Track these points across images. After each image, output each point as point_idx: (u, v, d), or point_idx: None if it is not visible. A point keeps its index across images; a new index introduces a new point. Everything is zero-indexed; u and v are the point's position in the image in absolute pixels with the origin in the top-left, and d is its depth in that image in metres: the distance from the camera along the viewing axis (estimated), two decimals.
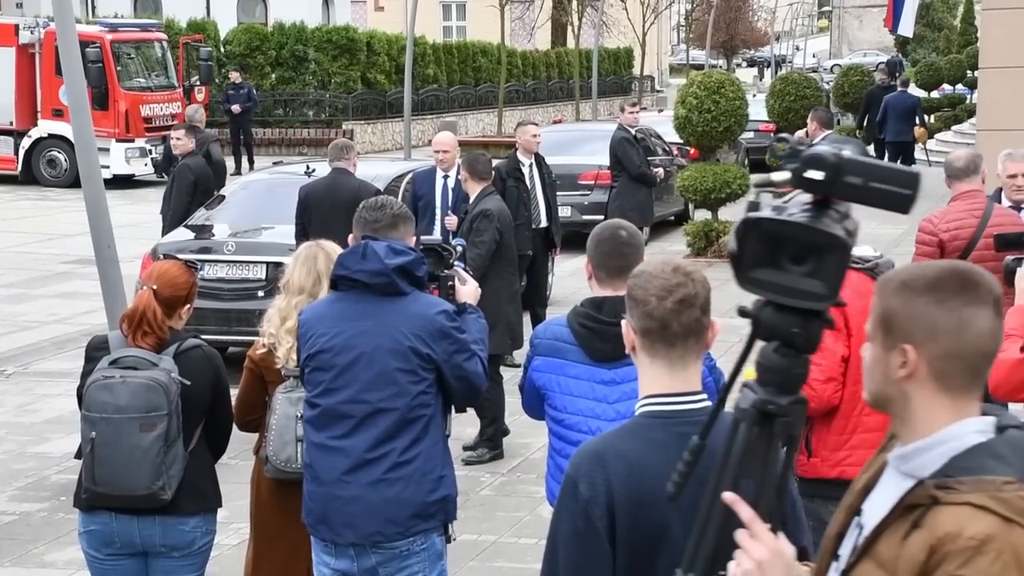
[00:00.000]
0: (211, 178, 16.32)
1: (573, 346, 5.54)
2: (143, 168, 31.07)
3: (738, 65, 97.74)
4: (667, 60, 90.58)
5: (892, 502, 2.90)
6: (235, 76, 35.74)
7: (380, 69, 43.72)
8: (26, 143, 32.02)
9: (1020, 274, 5.97)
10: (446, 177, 13.61)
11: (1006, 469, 2.82)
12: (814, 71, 59.25)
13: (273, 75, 42.47)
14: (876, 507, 2.96)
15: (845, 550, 3.01)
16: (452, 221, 12.94)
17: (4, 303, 18.26)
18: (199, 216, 15.01)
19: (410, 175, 14.73)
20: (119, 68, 31.92)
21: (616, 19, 59.56)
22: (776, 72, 60.71)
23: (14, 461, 11.43)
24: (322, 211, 12.57)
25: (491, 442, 11.34)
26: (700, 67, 56.55)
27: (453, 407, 6.39)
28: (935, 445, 2.90)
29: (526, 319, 13.08)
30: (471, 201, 12.01)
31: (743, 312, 2.63)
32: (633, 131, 19.16)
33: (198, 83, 34.91)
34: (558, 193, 16.08)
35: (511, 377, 11.51)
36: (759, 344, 2.65)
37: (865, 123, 31.53)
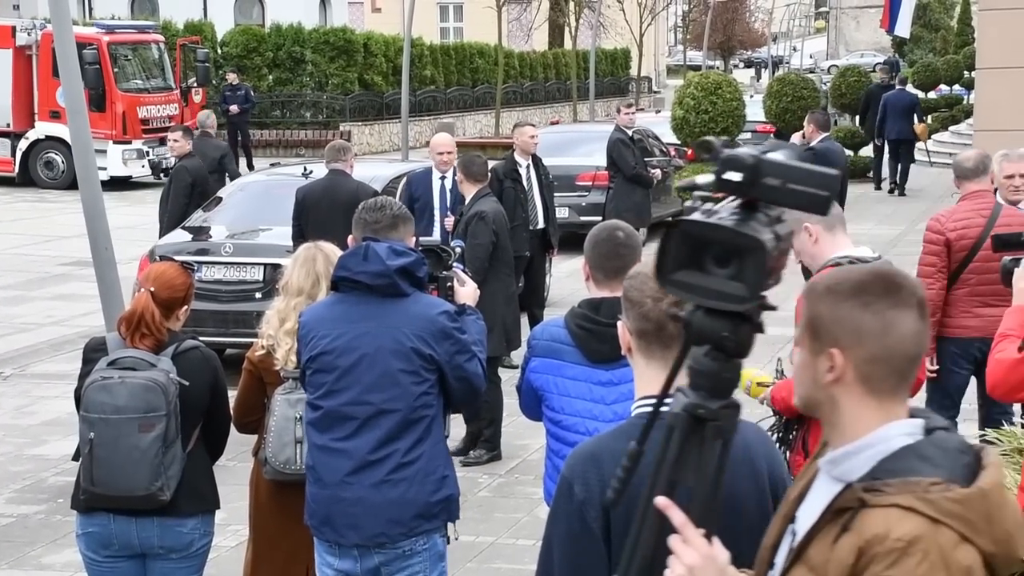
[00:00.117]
0: (208, 180, 16.32)
1: (570, 347, 5.54)
2: (140, 170, 31.06)
3: (735, 66, 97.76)
4: (664, 61, 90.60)
5: (822, 507, 2.92)
6: (232, 78, 35.72)
7: (377, 70, 43.72)
8: (23, 145, 32.00)
9: (1018, 274, 5.98)
10: (443, 178, 13.61)
11: (933, 470, 2.84)
12: (811, 72, 59.24)
13: (270, 76, 42.47)
14: (808, 513, 2.99)
15: (780, 558, 3.03)
16: (452, 222, 12.95)
17: (1, 305, 18.25)
18: (196, 218, 15.01)
19: (405, 177, 14.69)
20: (116, 70, 31.90)
21: (613, 20, 59.58)
22: (773, 73, 60.71)
23: (11, 463, 11.42)
24: (319, 212, 12.57)
25: (489, 443, 11.34)
26: (697, 68, 56.57)
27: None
28: (863, 448, 2.93)
29: (524, 320, 13.08)
30: (467, 203, 12.01)
31: (675, 317, 2.65)
32: (630, 132, 19.16)
33: (195, 85, 34.89)
34: (555, 194, 16.08)
35: (509, 378, 11.51)
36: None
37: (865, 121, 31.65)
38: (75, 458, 6.75)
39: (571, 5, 56.51)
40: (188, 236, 14.52)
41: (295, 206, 12.94)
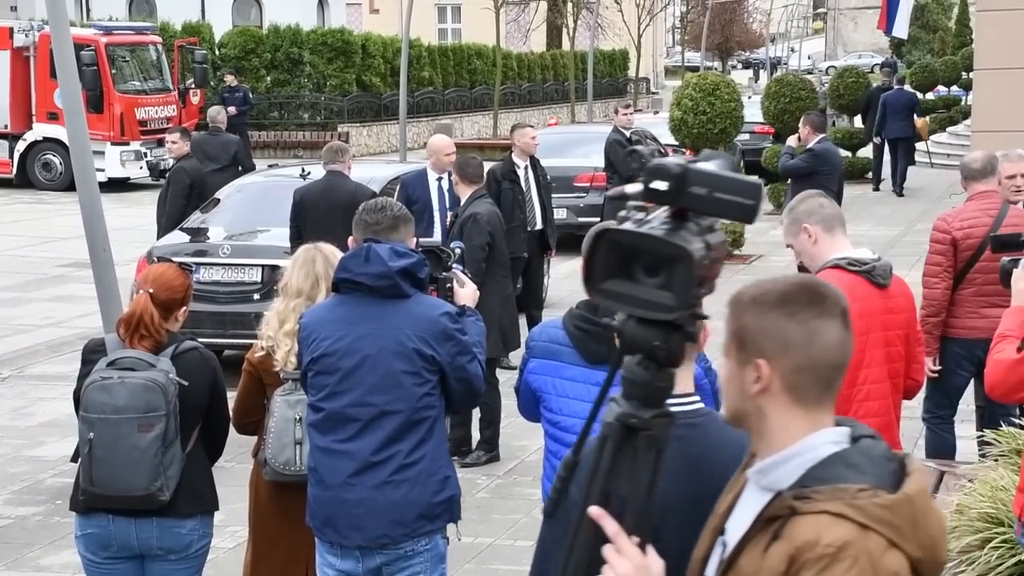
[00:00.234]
0: (206, 181, 16.32)
1: (568, 348, 5.54)
2: (138, 171, 31.06)
3: (733, 67, 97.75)
4: (662, 62, 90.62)
5: (752, 517, 2.95)
6: (230, 79, 35.71)
7: (375, 72, 43.72)
8: (21, 146, 32.01)
9: (1017, 275, 5.97)
10: (440, 179, 13.60)
11: (861, 477, 2.87)
12: (809, 73, 59.30)
13: (268, 78, 42.46)
14: (738, 524, 3.01)
15: (711, 571, 3.05)
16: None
17: None
18: (194, 219, 15.00)
19: (398, 179, 14.62)
20: (114, 71, 31.90)
21: (611, 21, 59.63)
22: (771, 74, 60.74)
23: (9, 465, 11.41)
24: (318, 214, 12.56)
25: (488, 444, 11.34)
26: (695, 69, 56.59)
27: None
28: (792, 457, 2.95)
29: (522, 321, 13.07)
30: (462, 204, 12.01)
31: (609, 326, 2.66)
32: (628, 133, 19.15)
33: (193, 86, 34.89)
34: (553, 195, 16.07)
35: (507, 379, 11.51)
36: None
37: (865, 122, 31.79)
38: (74, 459, 6.75)
39: (569, 6, 56.55)
40: (186, 237, 14.52)
41: (293, 207, 12.93)
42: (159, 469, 6.12)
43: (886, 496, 2.84)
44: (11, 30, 32.25)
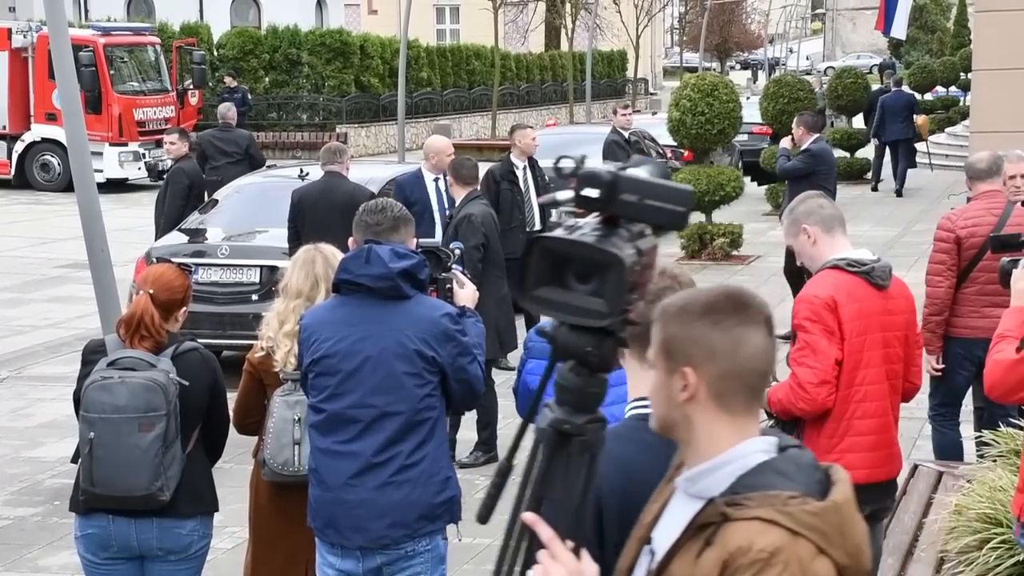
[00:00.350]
0: (204, 182, 16.32)
1: None
2: (136, 172, 31.06)
3: (732, 68, 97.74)
4: (661, 63, 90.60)
5: (683, 524, 2.98)
6: (230, 80, 35.73)
7: (374, 72, 43.72)
8: (19, 147, 32.00)
9: (1016, 276, 5.97)
10: (436, 180, 13.58)
11: (790, 485, 2.92)
12: (808, 73, 59.33)
13: (266, 79, 42.47)
14: (666, 532, 3.05)
15: None
16: None
17: None
18: (193, 220, 15.00)
19: (392, 181, 14.52)
20: (112, 72, 31.89)
21: (610, 22, 59.63)
22: (770, 75, 60.74)
23: (8, 465, 11.41)
24: (316, 214, 12.56)
25: (486, 445, 11.34)
26: (694, 70, 56.57)
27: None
28: (722, 465, 2.99)
29: (520, 322, 13.07)
30: (457, 206, 12.01)
31: (541, 332, 2.66)
32: (626, 134, 19.14)
33: (191, 87, 34.89)
34: None
35: (504, 380, 11.51)
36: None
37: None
38: (74, 460, 6.75)
39: (567, 7, 56.55)
40: (184, 238, 14.51)
41: (291, 208, 12.93)
42: (159, 469, 6.13)
43: (815, 503, 2.90)
44: (9, 31, 32.25)
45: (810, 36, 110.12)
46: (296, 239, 12.08)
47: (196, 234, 14.62)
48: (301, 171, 14.61)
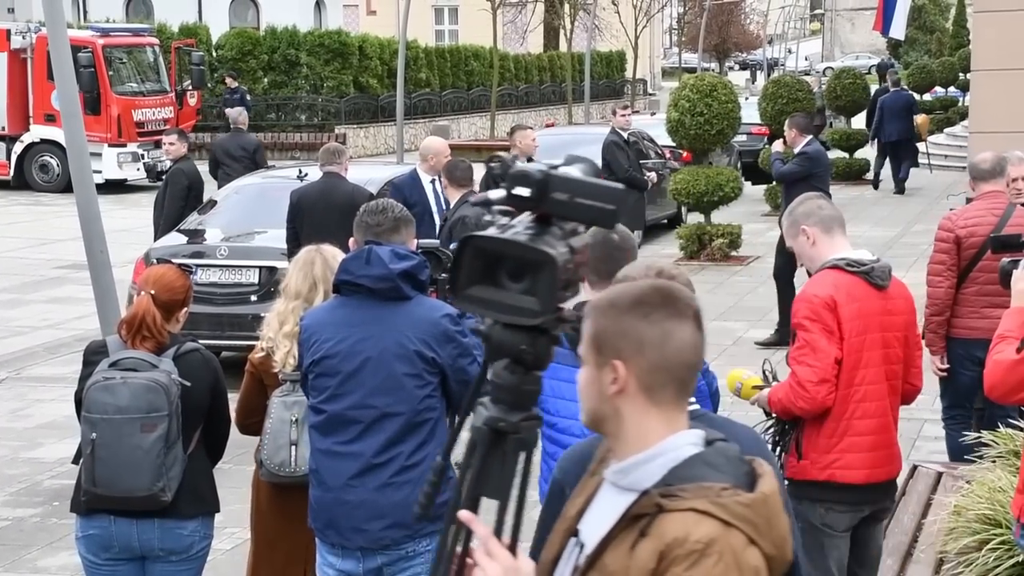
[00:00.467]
0: (203, 183, 16.33)
1: (565, 350, 5.52)
2: (135, 173, 31.06)
3: (730, 68, 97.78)
4: (659, 63, 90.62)
5: (614, 516, 3.01)
6: (230, 81, 35.73)
7: (372, 73, 43.73)
8: (18, 148, 32.00)
9: (1016, 276, 5.96)
10: (433, 181, 13.56)
11: (721, 476, 2.99)
12: (807, 74, 59.32)
13: (265, 79, 42.48)
14: (596, 524, 3.08)
15: (564, 572, 3.11)
16: None
17: None
18: (192, 220, 14.99)
19: (388, 183, 14.47)
20: (111, 73, 31.90)
21: (608, 23, 59.63)
22: (768, 75, 60.75)
23: (7, 466, 11.41)
24: (315, 215, 12.55)
25: None
26: (692, 70, 56.57)
27: None
28: (654, 457, 3.04)
29: None
30: (451, 207, 12.02)
31: (475, 331, 2.67)
32: (625, 134, 19.14)
33: (190, 88, 34.89)
34: None
35: None
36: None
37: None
38: (75, 461, 6.75)
39: (566, 7, 56.54)
40: (183, 239, 14.51)
41: (290, 209, 12.92)
42: (161, 470, 6.14)
43: (747, 495, 2.96)
44: (8, 32, 32.26)
45: (809, 37, 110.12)
46: (295, 240, 12.08)
47: (195, 235, 14.62)
48: (300, 172, 14.61)
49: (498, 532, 2.73)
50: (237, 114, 21.12)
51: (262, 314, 7.05)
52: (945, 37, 57.76)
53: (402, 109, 29.01)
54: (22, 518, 10.15)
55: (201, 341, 6.65)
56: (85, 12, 48.14)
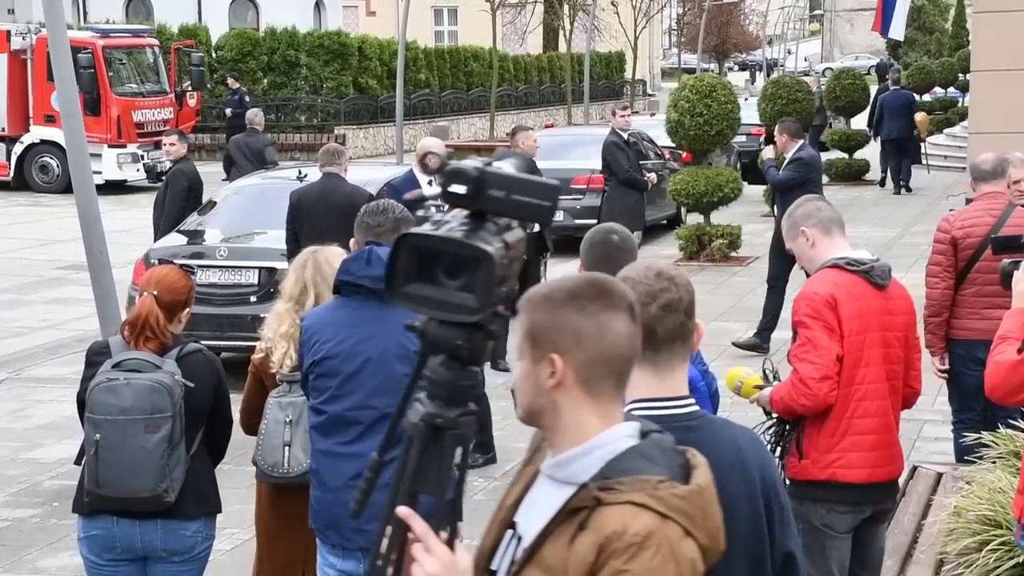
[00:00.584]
0: (202, 184, 16.32)
1: None
2: (135, 174, 31.06)
3: (730, 69, 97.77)
4: (659, 64, 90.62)
5: (552, 509, 3.03)
6: (232, 82, 35.75)
7: (372, 74, 43.72)
8: (18, 149, 32.01)
9: (1017, 277, 5.96)
10: (431, 182, 13.56)
11: (657, 469, 3.01)
12: (806, 75, 59.27)
13: (265, 80, 42.47)
14: (533, 517, 3.09)
15: (501, 564, 3.12)
16: None
17: None
18: (191, 221, 14.99)
19: (387, 184, 14.43)
20: (111, 74, 31.91)
21: (608, 23, 59.61)
22: (768, 76, 60.72)
23: (6, 467, 11.41)
24: (314, 216, 12.55)
25: (483, 447, 11.34)
26: (692, 71, 56.56)
27: None
28: (591, 450, 3.05)
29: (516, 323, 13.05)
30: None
31: (411, 327, 2.70)
32: (625, 135, 19.14)
33: (190, 88, 34.90)
34: None
35: (503, 382, 11.51)
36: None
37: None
38: (77, 462, 6.76)
39: (566, 8, 56.53)
40: (183, 240, 14.51)
41: (289, 209, 12.91)
42: (165, 471, 6.14)
43: (682, 487, 2.99)
44: (8, 33, 32.27)
45: (808, 37, 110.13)
46: (295, 240, 12.08)
47: (195, 236, 14.62)
48: (299, 172, 14.61)
49: (436, 527, 2.74)
50: (253, 115, 21.49)
51: (262, 315, 7.06)
52: (944, 38, 57.74)
53: (401, 110, 29.02)
54: (22, 519, 10.15)
55: (201, 342, 6.66)
56: (85, 13, 48.14)
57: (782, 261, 15.11)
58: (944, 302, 9.30)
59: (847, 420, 6.38)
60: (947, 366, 9.43)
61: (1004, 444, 8.12)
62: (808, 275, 6.76)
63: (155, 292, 6.28)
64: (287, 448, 6.67)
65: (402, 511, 2.72)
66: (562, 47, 58.42)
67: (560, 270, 18.60)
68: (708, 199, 21.24)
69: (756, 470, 3.74)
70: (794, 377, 6.34)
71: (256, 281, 13.67)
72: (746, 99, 30.76)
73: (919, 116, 31.54)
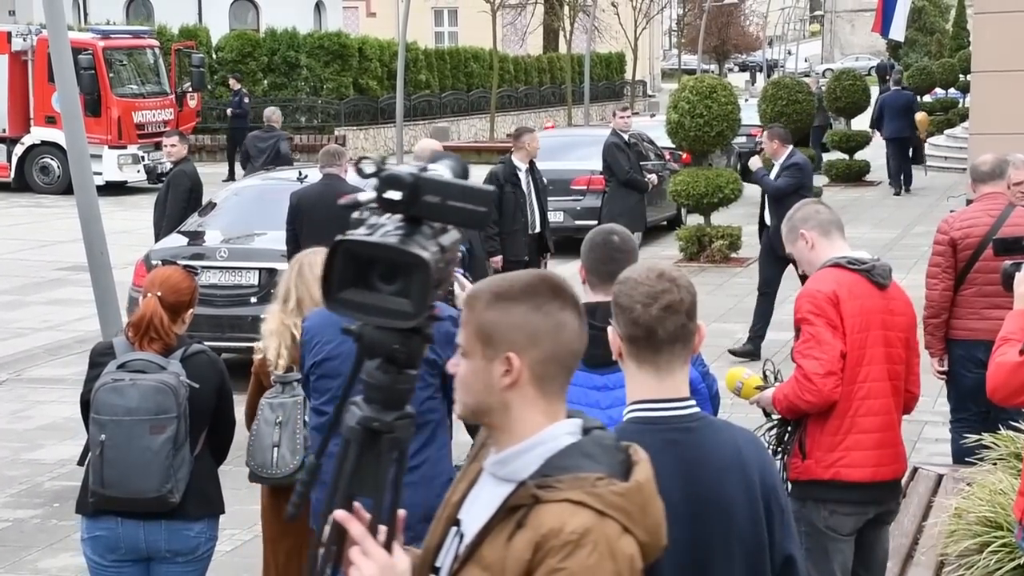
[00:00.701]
0: (202, 185, 16.32)
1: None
2: (135, 175, 31.07)
3: (730, 70, 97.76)
4: (659, 65, 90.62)
5: (492, 507, 3.03)
6: (234, 83, 35.79)
7: (372, 75, 43.72)
8: (19, 150, 32.02)
9: (1019, 279, 5.96)
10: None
11: (597, 466, 3.00)
12: (806, 75, 59.27)
13: (265, 81, 42.46)
14: (476, 514, 3.09)
15: (445, 561, 3.12)
16: None
17: None
18: (192, 222, 14.98)
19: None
20: (111, 75, 31.92)
21: (608, 24, 59.62)
22: (768, 77, 60.72)
23: (7, 468, 11.41)
24: (314, 217, 12.53)
25: None
26: (692, 72, 56.55)
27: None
28: (532, 447, 3.06)
29: None
30: None
31: (347, 331, 2.68)
32: (625, 136, 19.14)
33: (190, 89, 34.90)
34: (550, 198, 16.08)
35: None
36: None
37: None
38: (80, 462, 6.75)
39: (566, 9, 56.54)
40: (183, 240, 14.51)
41: (289, 210, 12.90)
42: (170, 471, 6.15)
43: (621, 484, 2.98)
44: (9, 34, 32.27)
45: (808, 38, 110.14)
46: (295, 241, 12.08)
47: (195, 237, 14.61)
48: (299, 173, 14.61)
49: (373, 530, 2.74)
50: (271, 113, 21.77)
51: (262, 316, 7.08)
52: (945, 39, 57.73)
53: (402, 111, 29.00)
54: (22, 519, 10.15)
55: (202, 342, 6.67)
56: (86, 14, 48.13)
57: (773, 267, 15.12)
58: (943, 303, 9.30)
59: (850, 419, 6.37)
60: (946, 367, 9.43)
61: (1005, 446, 8.12)
62: (803, 280, 6.76)
63: (159, 293, 6.29)
64: (275, 449, 6.73)
65: (339, 514, 2.72)
66: (562, 48, 58.43)
67: (560, 271, 18.61)
68: (708, 200, 21.23)
69: (756, 472, 3.73)
70: (798, 374, 6.33)
71: (256, 282, 13.67)
72: (746, 100, 30.78)
73: (919, 116, 31.55)
